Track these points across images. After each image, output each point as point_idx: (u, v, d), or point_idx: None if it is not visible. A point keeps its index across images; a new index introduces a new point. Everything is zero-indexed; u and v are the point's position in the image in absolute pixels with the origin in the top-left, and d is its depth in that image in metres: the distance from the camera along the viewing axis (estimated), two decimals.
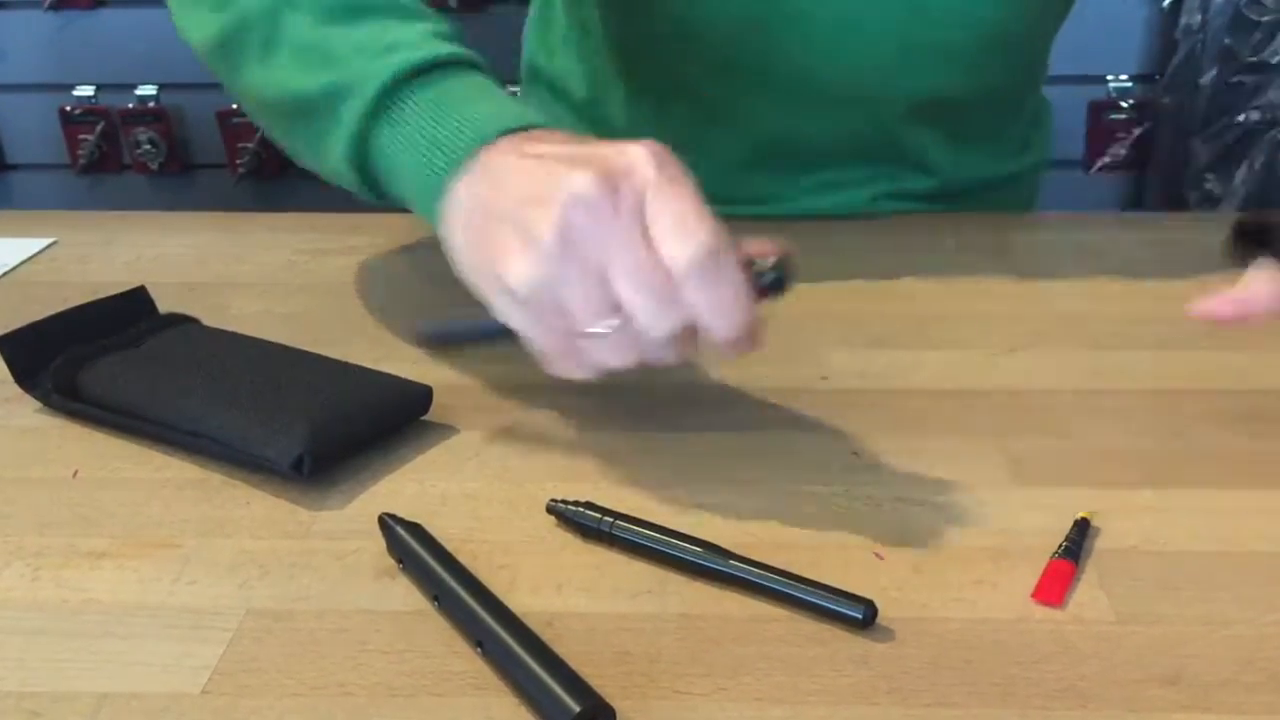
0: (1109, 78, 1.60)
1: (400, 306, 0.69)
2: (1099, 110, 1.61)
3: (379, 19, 0.57)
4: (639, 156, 0.46)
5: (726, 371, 0.61)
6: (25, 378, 0.58)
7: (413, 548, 0.45)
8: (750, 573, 0.44)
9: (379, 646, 0.41)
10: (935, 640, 0.41)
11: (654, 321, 0.45)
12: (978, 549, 0.46)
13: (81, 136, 1.68)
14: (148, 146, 1.67)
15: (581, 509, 0.47)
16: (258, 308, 0.69)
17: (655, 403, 0.58)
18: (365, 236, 0.80)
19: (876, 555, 0.46)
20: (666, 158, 0.46)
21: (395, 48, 0.55)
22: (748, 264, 0.47)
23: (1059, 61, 0.88)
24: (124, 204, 1.72)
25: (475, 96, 0.54)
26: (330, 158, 0.57)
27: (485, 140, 0.50)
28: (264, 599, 0.44)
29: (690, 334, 0.46)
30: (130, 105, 1.66)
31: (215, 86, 1.68)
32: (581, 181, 0.45)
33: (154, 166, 1.69)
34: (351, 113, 0.54)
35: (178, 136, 1.68)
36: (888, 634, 0.42)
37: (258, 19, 0.59)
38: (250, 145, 1.64)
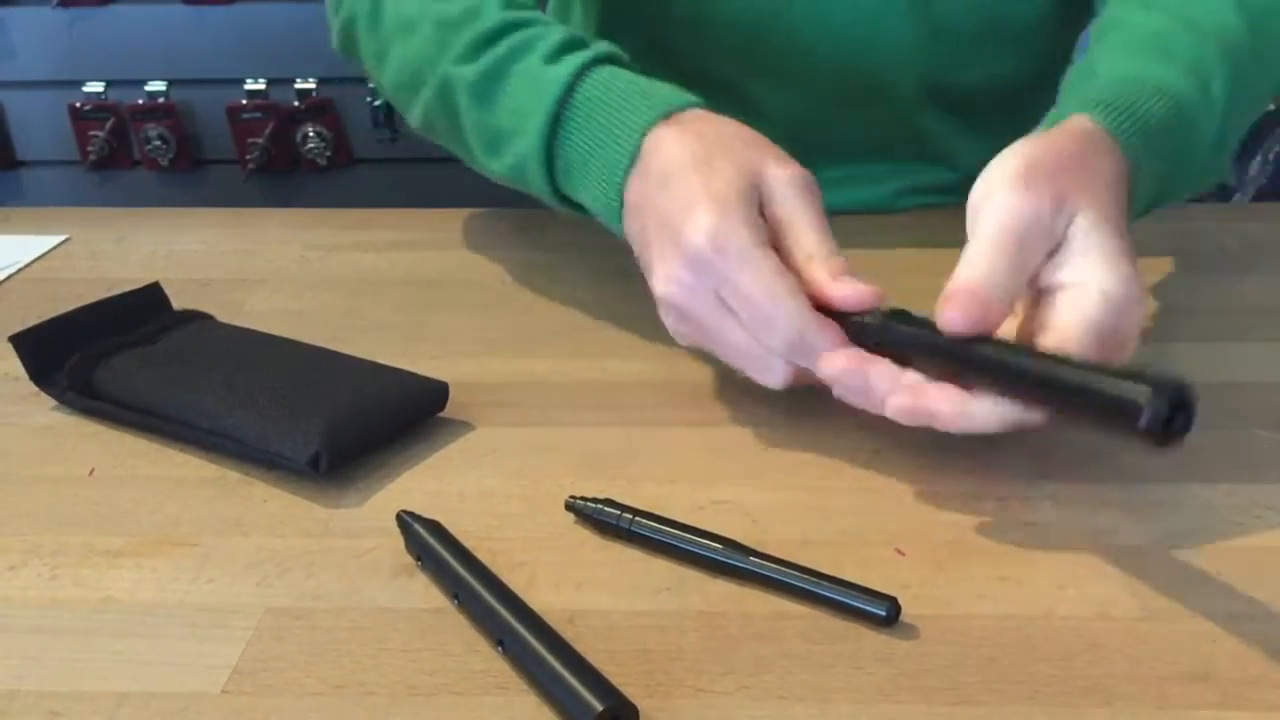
0: None
1: (413, 302, 0.69)
2: None
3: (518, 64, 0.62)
4: (704, 239, 0.50)
5: None
6: (41, 376, 0.58)
7: (431, 545, 0.45)
8: (771, 570, 0.43)
9: (398, 645, 0.41)
10: (959, 637, 0.41)
11: (765, 379, 0.52)
12: (1001, 545, 0.46)
13: (91, 133, 1.67)
14: (157, 142, 1.67)
15: (600, 506, 0.47)
16: (271, 304, 0.69)
17: (674, 399, 0.58)
18: (377, 232, 0.80)
19: (899, 552, 0.46)
20: (729, 230, 0.50)
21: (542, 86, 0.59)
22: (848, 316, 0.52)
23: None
24: (134, 200, 1.72)
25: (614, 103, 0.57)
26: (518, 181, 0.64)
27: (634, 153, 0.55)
28: (282, 597, 0.44)
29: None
30: (140, 101, 1.66)
31: (224, 82, 1.68)
32: (665, 287, 0.52)
33: (164, 162, 1.69)
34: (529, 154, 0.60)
35: (187, 132, 1.68)
36: (911, 631, 0.41)
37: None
38: (260, 141, 1.63)
